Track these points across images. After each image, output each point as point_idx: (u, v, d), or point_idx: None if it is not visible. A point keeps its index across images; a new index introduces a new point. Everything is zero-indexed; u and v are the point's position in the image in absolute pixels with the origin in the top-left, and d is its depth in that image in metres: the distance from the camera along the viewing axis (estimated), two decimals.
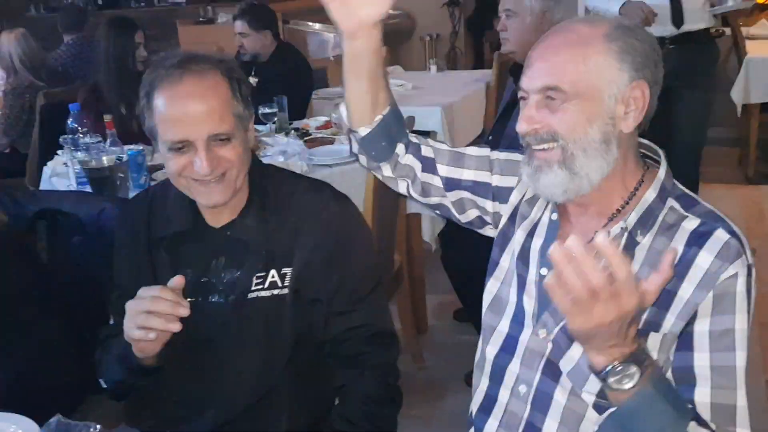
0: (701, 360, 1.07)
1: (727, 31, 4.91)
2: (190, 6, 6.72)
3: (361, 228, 1.44)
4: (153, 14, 6.85)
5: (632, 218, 1.13)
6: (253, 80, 3.68)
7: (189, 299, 1.34)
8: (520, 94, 1.18)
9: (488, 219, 1.35)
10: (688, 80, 3.07)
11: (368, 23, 1.20)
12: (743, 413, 1.07)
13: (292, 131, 3.09)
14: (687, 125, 3.18)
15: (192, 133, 1.24)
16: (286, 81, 3.56)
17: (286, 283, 1.33)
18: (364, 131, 1.30)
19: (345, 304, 1.36)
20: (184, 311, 1.17)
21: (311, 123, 3.31)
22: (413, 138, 1.37)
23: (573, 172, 1.11)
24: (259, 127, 3.17)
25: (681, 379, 1.09)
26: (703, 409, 1.06)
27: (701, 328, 1.07)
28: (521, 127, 1.14)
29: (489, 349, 1.27)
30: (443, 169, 1.34)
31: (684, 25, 3.03)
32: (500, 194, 1.33)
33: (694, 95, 3.14)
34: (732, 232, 1.09)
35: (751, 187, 4.48)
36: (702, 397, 1.07)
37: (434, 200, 1.37)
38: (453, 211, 1.37)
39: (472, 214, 1.36)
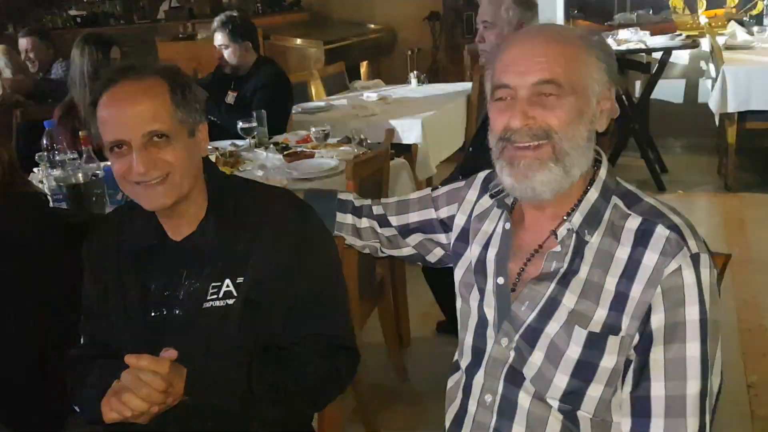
0: (656, 354, 1.08)
1: (704, 41, 4.99)
2: (170, 23, 6.70)
3: (321, 236, 1.40)
4: (133, 31, 6.82)
5: (577, 218, 1.14)
6: (232, 94, 3.68)
7: (153, 314, 1.34)
8: (499, 92, 1.15)
9: (450, 252, 1.39)
10: None
11: None
12: (693, 402, 1.06)
13: (272, 145, 3.07)
14: None
15: (126, 132, 1.25)
16: (266, 95, 3.55)
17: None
18: None
19: (305, 312, 1.34)
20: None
21: (291, 137, 3.29)
22: (357, 202, 1.50)
23: (565, 170, 1.12)
24: (239, 142, 3.17)
25: (639, 376, 1.10)
26: (658, 402, 1.07)
27: (656, 325, 1.08)
28: (515, 122, 1.11)
29: (462, 362, 1.28)
30: (394, 220, 1.46)
31: None
32: (447, 224, 1.40)
33: None
34: (671, 227, 1.10)
35: (730, 195, 4.52)
36: (657, 390, 1.07)
37: (405, 251, 1.48)
38: (421, 255, 1.47)
39: (437, 252, 1.45)
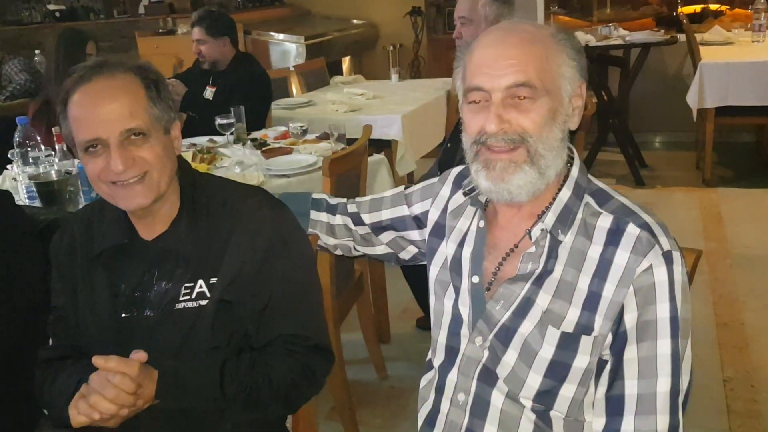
0: (629, 353, 1.09)
1: (682, 37, 5.02)
2: (150, 18, 6.64)
3: (295, 235, 1.38)
4: (112, 26, 6.77)
5: (550, 218, 1.14)
6: (210, 89, 3.65)
7: (123, 314, 1.32)
8: (472, 95, 1.14)
9: (424, 250, 1.39)
10: None
11: None
12: (663, 399, 1.07)
13: (249, 141, 3.05)
14: None
15: (103, 131, 1.22)
16: (245, 90, 3.52)
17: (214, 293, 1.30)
18: None
19: (279, 312, 1.32)
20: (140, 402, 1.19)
21: (270, 133, 3.27)
22: (331, 200, 1.50)
23: (540, 172, 1.11)
24: (217, 138, 3.14)
25: (613, 376, 1.10)
26: (631, 400, 1.08)
27: (629, 325, 1.08)
28: (490, 126, 1.10)
29: (435, 361, 1.28)
30: (367, 218, 1.46)
31: None
32: (421, 220, 1.39)
33: None
34: (642, 225, 1.10)
35: (708, 189, 4.55)
36: (630, 389, 1.09)
37: (378, 249, 1.48)
38: (395, 253, 1.47)
39: (410, 250, 1.45)
